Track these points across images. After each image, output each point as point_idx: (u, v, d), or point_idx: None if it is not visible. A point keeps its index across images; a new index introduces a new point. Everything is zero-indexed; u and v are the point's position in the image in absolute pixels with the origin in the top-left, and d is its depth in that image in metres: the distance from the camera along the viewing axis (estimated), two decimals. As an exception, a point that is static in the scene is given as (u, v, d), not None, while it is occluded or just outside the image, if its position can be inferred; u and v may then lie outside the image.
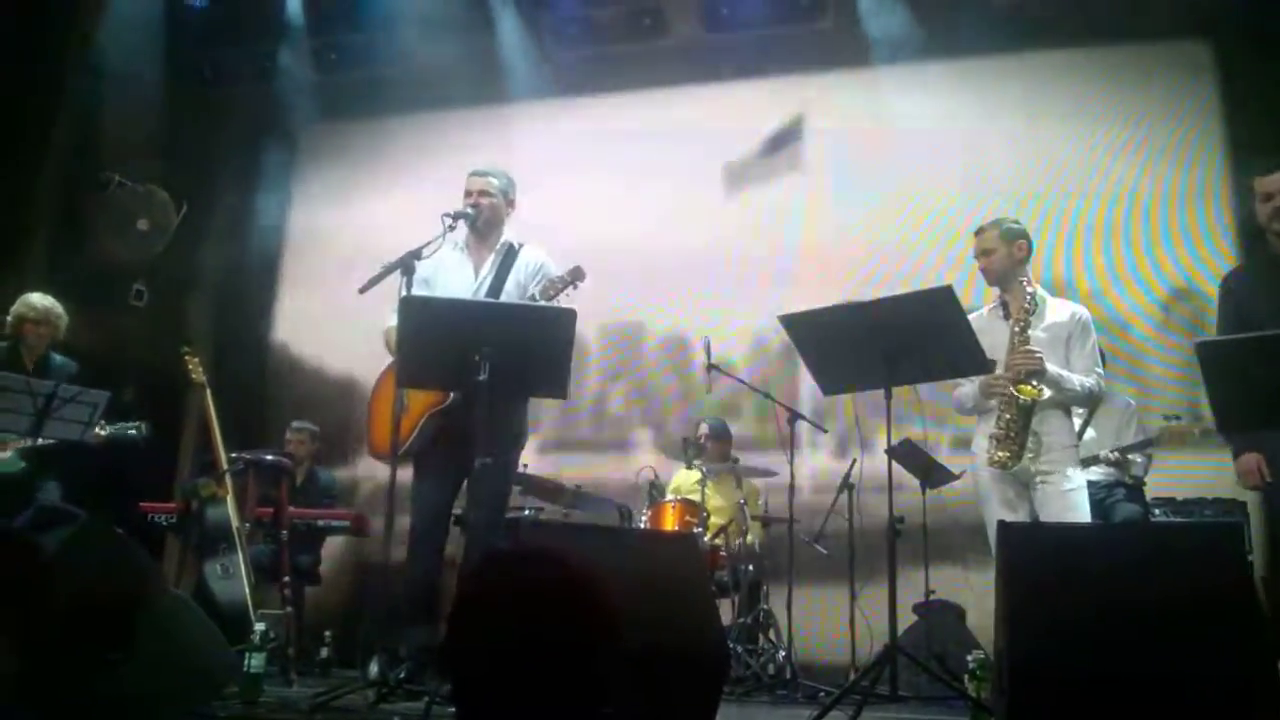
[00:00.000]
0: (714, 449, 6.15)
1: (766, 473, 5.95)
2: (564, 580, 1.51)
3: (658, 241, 7.59)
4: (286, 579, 5.06)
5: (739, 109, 7.72)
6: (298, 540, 5.66)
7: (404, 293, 3.78)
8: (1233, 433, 3.86)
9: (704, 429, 6.26)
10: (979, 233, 4.21)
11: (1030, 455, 3.91)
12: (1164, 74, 6.82)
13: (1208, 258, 6.54)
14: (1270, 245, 3.97)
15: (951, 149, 7.04)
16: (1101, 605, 2.62)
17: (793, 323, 3.91)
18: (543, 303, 3.88)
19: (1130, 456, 5.10)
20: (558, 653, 1.45)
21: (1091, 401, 4.19)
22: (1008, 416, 3.90)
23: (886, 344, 3.69)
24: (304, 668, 5.18)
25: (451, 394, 3.91)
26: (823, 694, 4.50)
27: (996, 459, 3.89)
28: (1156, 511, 5.34)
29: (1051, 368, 3.92)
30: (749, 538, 5.79)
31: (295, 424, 6.72)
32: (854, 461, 5.52)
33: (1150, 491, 5.38)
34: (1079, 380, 3.97)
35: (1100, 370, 4.09)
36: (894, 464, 3.96)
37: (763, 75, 7.55)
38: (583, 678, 1.48)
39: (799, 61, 7.38)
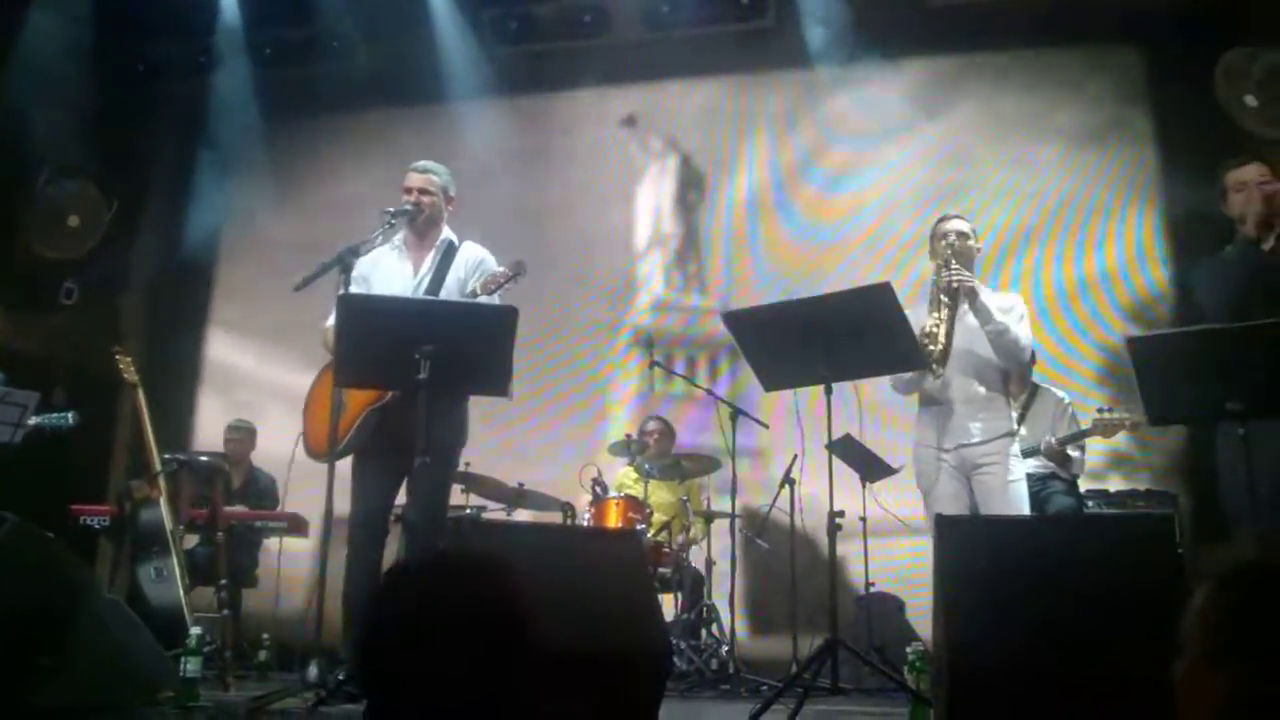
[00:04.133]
0: (658, 446, 6.17)
1: (709, 467, 5.98)
2: (489, 582, 1.49)
3: (600, 237, 7.62)
4: (223, 581, 4.97)
5: (680, 107, 7.77)
6: (235, 542, 5.57)
7: (342, 291, 3.73)
8: (1162, 424, 3.95)
9: (650, 426, 6.29)
10: (953, 218, 4.28)
11: (971, 444, 3.99)
12: (1096, 78, 6.97)
13: (1136, 257, 6.70)
14: (1240, 235, 4.02)
15: (886, 149, 7.15)
16: (1037, 596, 2.66)
17: (735, 320, 3.94)
18: (484, 298, 3.86)
19: (1070, 452, 5.21)
20: (485, 656, 1.43)
21: (1021, 364, 4.22)
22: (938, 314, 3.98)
23: (827, 340, 3.72)
24: (241, 671, 5.10)
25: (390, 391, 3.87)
26: (765, 688, 4.53)
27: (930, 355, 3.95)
28: (1090, 503, 5.46)
29: (984, 296, 4.02)
30: (692, 533, 5.83)
31: (233, 422, 6.62)
32: (795, 457, 5.57)
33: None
34: (1004, 321, 4.02)
35: (1030, 340, 4.15)
36: (834, 459, 4.00)
37: (703, 74, 7.59)
38: (515, 678, 1.46)
39: (740, 60, 7.43)
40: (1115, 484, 6.03)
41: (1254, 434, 3.31)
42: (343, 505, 3.93)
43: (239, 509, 5.98)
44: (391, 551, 4.20)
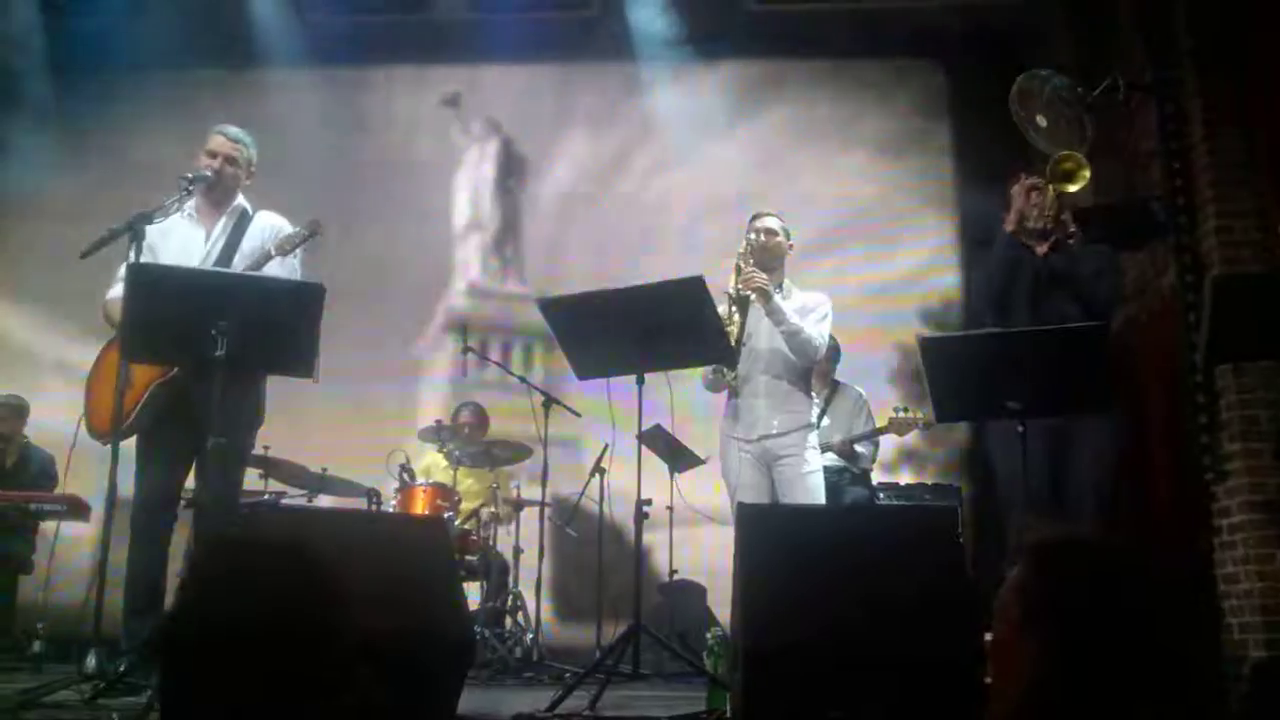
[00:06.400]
0: (471, 433, 6.11)
1: (520, 455, 5.96)
2: (291, 569, 1.44)
3: (415, 218, 7.47)
4: (-7, 568, 4.63)
5: (502, 91, 7.69)
6: (6, 525, 5.19)
7: (132, 259, 3.51)
8: (949, 421, 4.19)
9: (464, 413, 6.21)
10: (765, 216, 4.38)
11: (773, 436, 4.12)
12: (902, 90, 7.33)
13: (931, 263, 7.08)
14: (1024, 241, 4.26)
15: (701, 148, 7.29)
16: (830, 583, 2.76)
17: (550, 307, 3.93)
18: (278, 258, 3.71)
19: (857, 448, 5.47)
20: (285, 646, 1.38)
21: (815, 362, 4.38)
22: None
23: (640, 331, 3.76)
24: (14, 663, 4.75)
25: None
26: (569, 674, 4.55)
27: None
28: (881, 495, 5.74)
29: (782, 297, 4.17)
30: (500, 520, 5.80)
31: (-1, 397, 6.15)
32: (605, 447, 5.61)
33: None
34: (797, 323, 4.16)
35: (825, 340, 4.32)
36: (643, 448, 4.06)
37: (526, 59, 7.53)
38: (315, 670, 1.42)
39: (563, 49, 7.41)
40: (905, 477, 6.38)
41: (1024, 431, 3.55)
42: (127, 487, 3.72)
43: (11, 491, 5.57)
44: (181, 538, 4.00)
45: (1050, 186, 4.13)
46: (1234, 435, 4.54)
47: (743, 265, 4.14)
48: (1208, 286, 3.21)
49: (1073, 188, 4.13)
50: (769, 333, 4.20)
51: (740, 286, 4.10)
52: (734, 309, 4.11)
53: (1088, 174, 4.10)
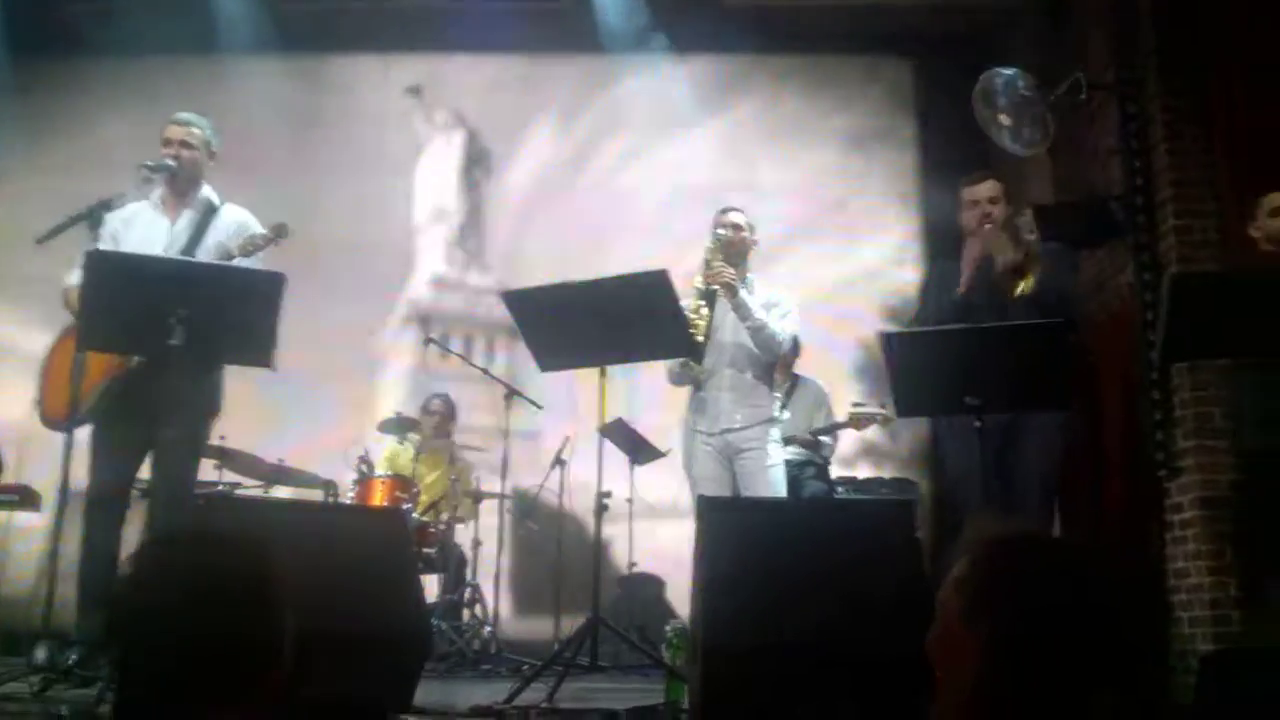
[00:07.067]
0: (439, 425, 6.08)
1: (482, 447, 5.94)
2: (241, 559, 1.43)
3: (378, 208, 7.40)
4: (-62, 559, 4.54)
5: (467, 81, 7.64)
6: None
7: (91, 246, 3.46)
8: (910, 416, 4.21)
9: (434, 404, 6.18)
10: (731, 210, 4.39)
11: (735, 429, 4.12)
12: (871, 87, 7.36)
13: (895, 258, 7.12)
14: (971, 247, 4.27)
15: (669, 141, 7.28)
16: (788, 575, 2.78)
17: (514, 299, 3.91)
18: (241, 260, 3.67)
19: (821, 438, 5.50)
20: (234, 636, 1.37)
21: (778, 356, 4.40)
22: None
23: (604, 323, 3.75)
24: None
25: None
26: (526, 667, 4.54)
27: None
28: (840, 489, 5.77)
29: (747, 292, 4.18)
30: (459, 512, 5.77)
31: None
32: (566, 439, 5.60)
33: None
34: (762, 318, 4.18)
35: (790, 336, 4.34)
36: (605, 441, 4.05)
37: (492, 49, 7.47)
38: (269, 663, 1.40)
39: (530, 38, 7.35)
40: (864, 471, 6.41)
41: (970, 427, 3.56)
42: (80, 477, 3.65)
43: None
44: (134, 530, 3.94)
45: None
46: (1188, 432, 4.60)
47: (711, 260, 4.14)
48: (1166, 284, 3.25)
49: None
50: (734, 327, 4.22)
51: (708, 281, 4.10)
52: (702, 303, 4.12)
53: None
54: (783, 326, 4.27)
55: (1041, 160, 5.90)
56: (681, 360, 4.21)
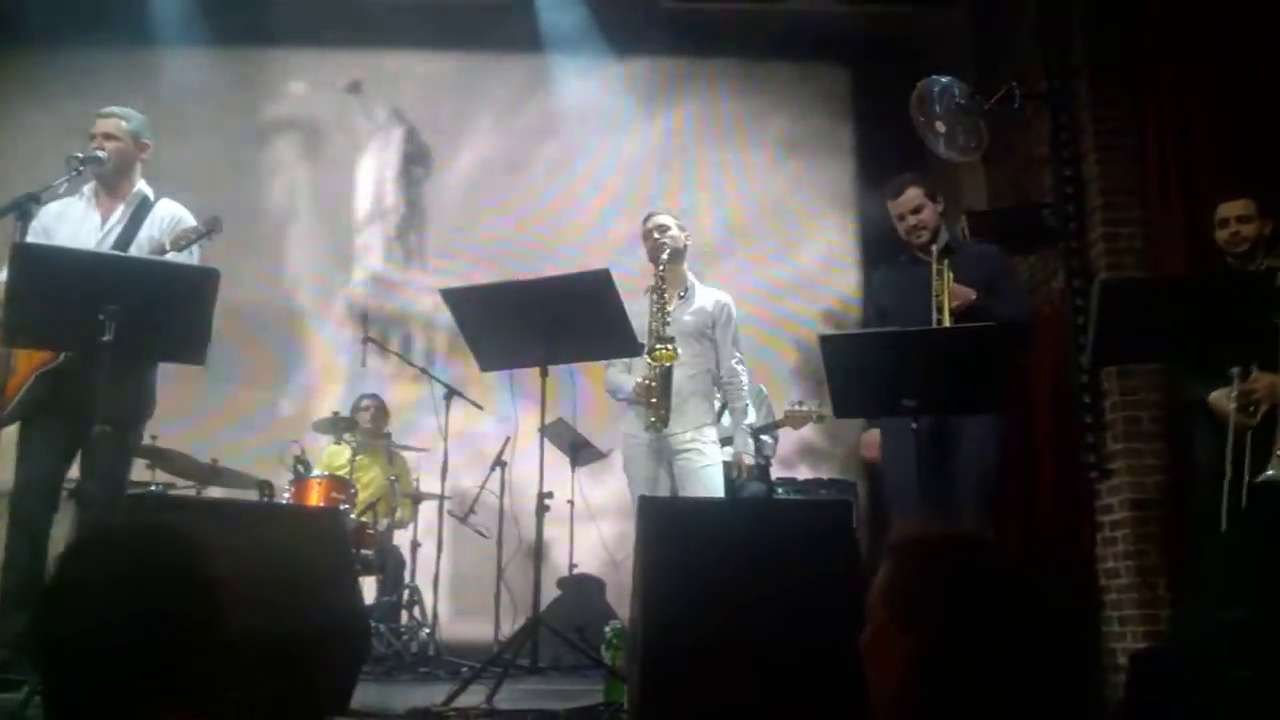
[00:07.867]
0: (371, 424, 6.02)
1: (420, 447, 5.90)
2: (173, 560, 1.40)
3: (315, 204, 7.31)
4: None
5: (407, 78, 7.57)
6: None
7: (17, 240, 3.36)
8: (846, 417, 4.25)
9: (365, 403, 6.11)
10: (656, 214, 4.43)
11: (673, 431, 4.14)
12: (807, 91, 7.43)
13: (833, 261, 7.21)
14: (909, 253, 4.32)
15: (608, 143, 7.29)
16: (727, 575, 2.79)
17: (454, 297, 3.88)
18: (174, 254, 3.60)
19: (762, 438, 5.54)
20: (166, 638, 1.34)
21: (734, 385, 4.46)
22: (649, 382, 4.10)
23: (545, 323, 3.74)
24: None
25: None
26: (465, 669, 4.50)
27: (649, 423, 4.11)
28: (779, 490, 5.81)
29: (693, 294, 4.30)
30: (398, 516, 5.72)
31: None
32: (507, 440, 5.58)
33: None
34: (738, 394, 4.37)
35: (740, 355, 4.40)
36: (546, 442, 4.05)
37: (433, 46, 7.42)
38: (202, 666, 1.38)
39: (471, 36, 7.30)
40: (804, 472, 6.48)
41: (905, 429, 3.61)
42: (6, 478, 3.59)
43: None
44: (62, 531, 3.85)
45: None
46: (1117, 435, 4.72)
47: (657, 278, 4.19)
48: (1096, 290, 3.31)
49: None
50: (672, 329, 4.22)
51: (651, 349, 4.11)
52: (654, 306, 4.15)
53: None
54: (729, 351, 4.36)
55: (976, 167, 6.02)
56: (624, 364, 4.23)
